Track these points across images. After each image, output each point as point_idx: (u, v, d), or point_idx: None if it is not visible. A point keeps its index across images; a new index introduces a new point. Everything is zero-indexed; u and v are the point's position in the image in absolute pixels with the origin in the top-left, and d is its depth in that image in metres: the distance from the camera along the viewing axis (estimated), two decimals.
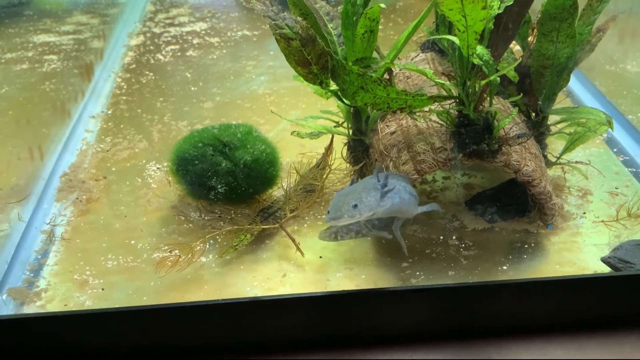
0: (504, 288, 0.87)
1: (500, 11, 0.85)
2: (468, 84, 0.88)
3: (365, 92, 0.89)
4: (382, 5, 0.93)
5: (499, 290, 0.87)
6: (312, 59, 0.93)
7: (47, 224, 1.05)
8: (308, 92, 1.50)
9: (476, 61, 0.84)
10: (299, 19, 0.92)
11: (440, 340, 0.86)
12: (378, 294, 0.84)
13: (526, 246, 0.98)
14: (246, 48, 1.75)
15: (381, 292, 0.84)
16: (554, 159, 1.10)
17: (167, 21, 1.95)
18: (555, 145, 1.14)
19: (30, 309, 0.88)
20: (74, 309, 0.88)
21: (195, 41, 1.79)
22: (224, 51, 1.73)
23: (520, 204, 1.03)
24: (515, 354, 0.84)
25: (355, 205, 0.82)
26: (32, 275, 0.95)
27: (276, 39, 0.92)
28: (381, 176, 0.87)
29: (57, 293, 0.91)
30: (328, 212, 0.83)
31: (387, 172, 0.89)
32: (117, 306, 0.86)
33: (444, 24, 0.96)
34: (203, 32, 1.85)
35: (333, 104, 1.13)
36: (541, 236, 1.00)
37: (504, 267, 0.94)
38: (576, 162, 1.10)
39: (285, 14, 0.94)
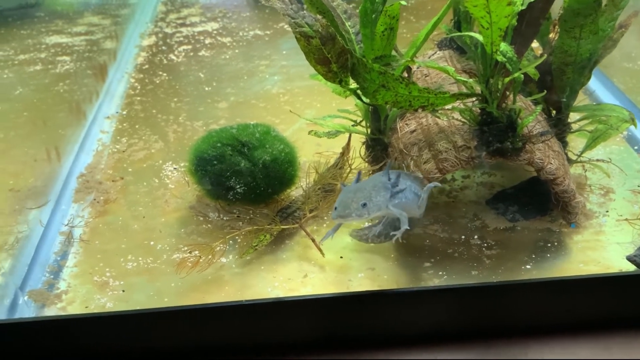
0: (529, 287, 0.86)
1: (523, 7, 0.83)
2: (491, 81, 0.86)
3: (386, 90, 0.88)
4: (403, 2, 0.92)
5: (524, 289, 0.86)
6: (332, 57, 0.92)
7: (66, 225, 1.04)
8: (322, 91, 1.50)
9: (500, 58, 0.83)
10: (319, 16, 0.91)
11: (464, 341, 0.85)
12: (401, 294, 0.83)
13: (549, 245, 0.97)
14: (258, 47, 1.74)
15: (404, 292, 0.84)
16: (574, 157, 1.09)
17: (179, 21, 1.94)
18: (575, 143, 1.13)
19: (51, 311, 0.88)
20: (95, 310, 0.87)
21: (207, 41, 1.78)
22: (237, 51, 1.72)
23: (541, 203, 1.02)
24: (539, 354, 0.83)
25: (365, 205, 0.80)
26: (52, 277, 0.95)
27: (296, 37, 0.91)
28: (392, 174, 0.85)
29: (78, 295, 0.91)
30: (335, 208, 0.81)
31: (398, 171, 0.88)
32: (138, 308, 0.85)
33: (467, 21, 0.95)
34: (215, 32, 1.85)
35: (349, 103, 1.12)
36: (564, 235, 0.99)
37: (528, 267, 0.93)
38: (597, 160, 1.08)
39: (304, 12, 0.93)
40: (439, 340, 0.85)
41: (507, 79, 0.85)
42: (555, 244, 0.97)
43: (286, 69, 1.61)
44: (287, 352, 0.82)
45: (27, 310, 0.88)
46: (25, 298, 0.90)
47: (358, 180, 0.88)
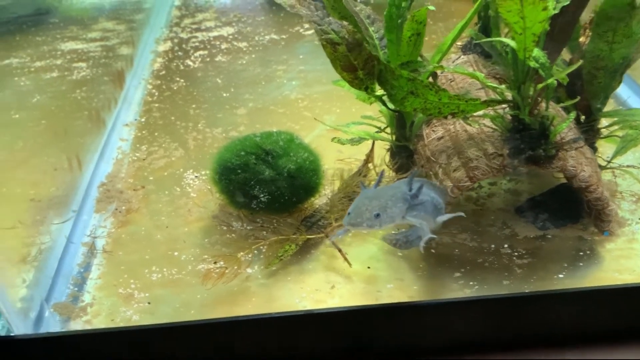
0: (563, 297, 0.84)
1: (556, 11, 0.81)
2: (523, 87, 0.85)
3: (415, 97, 0.87)
4: (431, 7, 0.90)
5: (558, 299, 0.84)
6: (359, 64, 0.90)
7: (88, 236, 1.03)
8: (342, 96, 1.48)
9: (532, 64, 0.81)
10: (345, 23, 0.89)
11: (499, 351, 0.83)
12: (435, 306, 0.81)
13: (581, 253, 0.95)
14: (275, 52, 1.73)
15: (438, 303, 0.82)
16: (604, 163, 1.06)
17: (194, 26, 1.93)
18: (603, 148, 1.10)
19: (76, 324, 0.87)
20: (121, 324, 0.86)
21: (223, 46, 1.77)
22: (253, 56, 1.71)
23: (572, 210, 1.00)
24: None
25: (378, 215, 0.77)
26: (76, 289, 0.94)
27: (322, 44, 0.89)
28: (415, 184, 0.82)
29: (103, 308, 0.90)
30: (349, 213, 0.79)
31: (422, 181, 0.84)
32: (165, 321, 0.84)
33: (496, 26, 0.93)
34: (230, 36, 1.84)
35: (370, 108, 1.10)
36: (596, 243, 0.97)
37: (560, 276, 0.91)
38: (628, 166, 1.06)
39: (330, 18, 0.91)
40: (473, 350, 0.83)
41: (540, 86, 0.83)
42: (588, 252, 0.95)
43: (304, 73, 1.59)
44: None
45: (53, 323, 0.87)
46: (51, 311, 0.88)
47: (379, 182, 0.85)
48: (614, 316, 0.85)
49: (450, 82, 1.10)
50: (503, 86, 0.86)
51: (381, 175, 0.86)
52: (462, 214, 0.86)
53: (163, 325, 0.80)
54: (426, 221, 0.84)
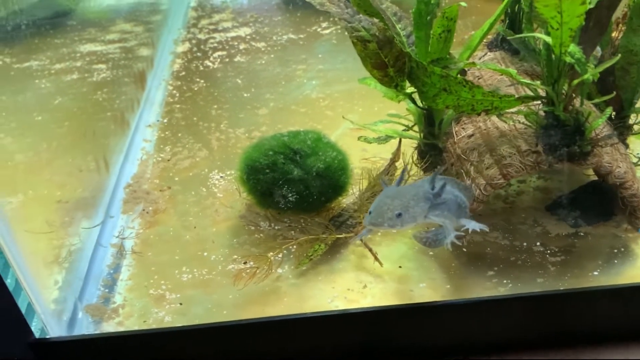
0: (600, 294, 0.83)
1: (592, 6, 0.80)
2: (557, 83, 0.83)
3: (448, 94, 0.86)
4: (463, 4, 0.89)
5: (595, 297, 0.83)
6: (390, 62, 0.90)
7: (116, 237, 1.03)
8: (363, 95, 1.48)
9: (568, 59, 0.80)
10: (375, 20, 0.89)
11: (535, 349, 0.82)
12: (471, 304, 0.80)
13: (615, 251, 0.94)
14: (294, 52, 1.72)
15: (474, 302, 0.81)
16: (635, 159, 1.05)
17: (211, 27, 1.93)
18: (634, 145, 1.09)
19: (109, 326, 0.86)
20: (154, 326, 0.86)
21: (241, 47, 1.77)
22: (272, 56, 1.71)
23: (604, 207, 0.98)
24: None
25: (400, 215, 0.76)
26: (107, 290, 0.93)
27: (352, 42, 0.89)
28: (438, 183, 0.80)
29: (134, 309, 0.90)
30: (370, 212, 0.77)
31: (445, 179, 0.83)
32: (197, 322, 0.83)
33: (529, 22, 0.92)
34: (248, 37, 1.83)
35: (393, 107, 1.09)
36: (630, 240, 0.95)
37: (595, 273, 0.90)
38: None
39: (360, 15, 0.90)
40: (509, 349, 0.82)
41: (575, 81, 0.81)
42: (622, 249, 0.94)
43: (323, 72, 1.59)
44: None
45: (86, 325, 0.86)
46: (83, 313, 0.88)
47: (401, 180, 0.83)
48: None
49: (478, 79, 1.09)
50: (538, 82, 0.85)
51: (403, 172, 0.85)
52: (486, 228, 0.84)
53: (196, 327, 0.79)
54: (449, 220, 0.83)
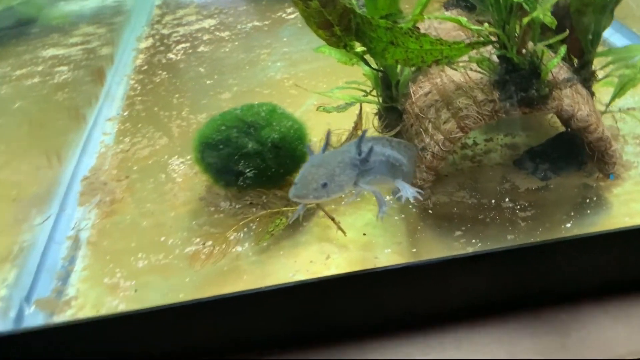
0: (573, 244, 0.78)
1: None
2: (508, 25, 0.80)
3: (395, 47, 0.82)
4: None
5: (568, 247, 0.78)
6: (334, 20, 0.86)
7: (72, 229, 0.99)
8: (328, 72, 1.44)
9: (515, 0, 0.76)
10: None
11: (510, 310, 0.78)
12: (435, 265, 0.76)
13: (587, 200, 0.90)
14: (258, 38, 1.69)
15: (438, 262, 0.77)
16: (602, 108, 1.01)
17: (175, 22, 1.89)
18: (600, 94, 1.05)
19: (60, 319, 0.82)
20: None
21: (205, 37, 1.73)
22: (236, 43, 1.67)
23: (574, 157, 0.95)
24: (592, 318, 0.76)
25: (325, 184, 0.72)
26: (60, 283, 0.89)
27: (293, 1, 0.85)
28: (365, 144, 0.76)
29: (88, 300, 0.85)
30: (295, 183, 0.73)
31: (373, 139, 0.78)
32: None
33: None
34: (212, 27, 1.80)
35: (356, 76, 1.06)
36: (602, 189, 0.91)
37: (567, 225, 0.86)
38: (628, 108, 1.01)
39: None
40: (485, 312, 0.78)
41: (525, 19, 0.78)
42: (594, 198, 0.90)
43: (288, 55, 1.55)
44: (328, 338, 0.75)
45: (35, 320, 0.82)
46: (32, 309, 0.84)
47: (326, 146, 0.78)
48: (629, 263, 0.79)
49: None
50: (486, 25, 0.81)
51: (327, 137, 0.80)
52: (420, 196, 0.80)
53: (138, 312, 0.74)
54: (386, 182, 0.79)
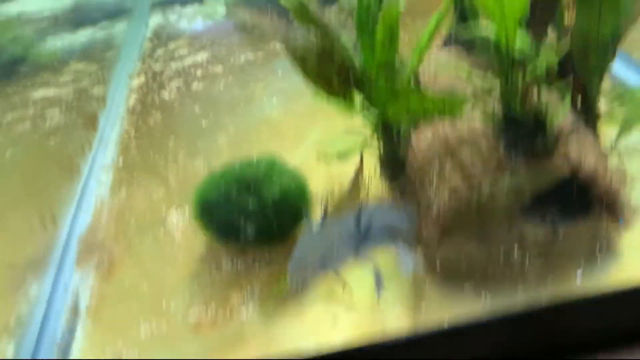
0: (587, 301, 0.76)
1: None
2: (510, 77, 0.78)
3: (396, 101, 0.80)
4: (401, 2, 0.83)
5: (580, 304, 0.76)
6: (332, 74, 0.84)
7: (70, 296, 0.96)
8: (325, 108, 1.41)
9: (516, 55, 0.74)
10: (312, 32, 0.83)
11: None
12: (447, 333, 0.74)
13: (598, 246, 0.88)
14: (252, 72, 1.67)
15: (450, 330, 0.74)
16: (608, 144, 0.99)
17: (167, 56, 1.87)
18: (605, 129, 1.03)
19: None
20: None
21: (198, 73, 1.71)
22: (230, 78, 1.65)
23: (581, 201, 0.92)
24: None
25: (324, 258, 0.73)
26: (61, 355, 0.87)
27: (289, 58, 0.83)
28: (363, 216, 0.76)
29: None
30: (293, 257, 0.73)
31: (370, 210, 0.78)
32: None
33: (474, 13, 0.87)
34: (205, 61, 1.78)
35: (357, 119, 1.03)
36: (612, 234, 0.89)
37: (577, 275, 0.84)
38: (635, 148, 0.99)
39: (295, 28, 0.85)
40: None
41: (528, 76, 0.76)
42: (605, 244, 0.88)
43: (284, 90, 1.53)
44: None
45: None
46: None
47: (324, 220, 0.79)
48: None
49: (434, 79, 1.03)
50: (489, 74, 0.79)
51: (325, 209, 0.81)
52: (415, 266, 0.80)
53: None
54: (386, 247, 0.79)
